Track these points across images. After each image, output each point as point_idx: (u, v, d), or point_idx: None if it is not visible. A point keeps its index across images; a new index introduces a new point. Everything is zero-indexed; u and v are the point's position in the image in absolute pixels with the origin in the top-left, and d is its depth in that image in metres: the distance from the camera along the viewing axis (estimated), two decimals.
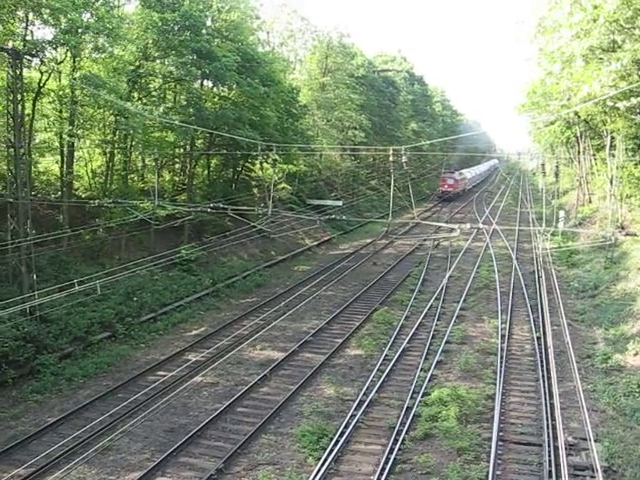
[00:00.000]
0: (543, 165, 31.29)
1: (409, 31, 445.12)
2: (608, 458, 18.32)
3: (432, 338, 30.14)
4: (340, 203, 63.29)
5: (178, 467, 18.46)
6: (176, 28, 37.97)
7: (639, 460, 18.41)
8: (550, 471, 17.77)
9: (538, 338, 29.57)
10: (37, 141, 33.99)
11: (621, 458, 18.43)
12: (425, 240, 58.23)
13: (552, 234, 50.56)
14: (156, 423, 21.37)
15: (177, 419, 21.76)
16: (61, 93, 32.95)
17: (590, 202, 64.19)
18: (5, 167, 29.47)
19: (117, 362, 27.38)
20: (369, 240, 59.87)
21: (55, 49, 32.00)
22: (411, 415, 21.60)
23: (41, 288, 25.88)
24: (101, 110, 34.88)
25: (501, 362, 26.34)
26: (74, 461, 18.14)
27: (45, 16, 29.97)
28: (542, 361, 26.34)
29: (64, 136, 33.16)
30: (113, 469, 18.32)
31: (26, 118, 28.73)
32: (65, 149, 34.81)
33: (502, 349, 28.02)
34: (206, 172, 49.98)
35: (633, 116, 37.23)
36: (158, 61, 39.43)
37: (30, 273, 26.70)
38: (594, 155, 62.26)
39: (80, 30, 30.40)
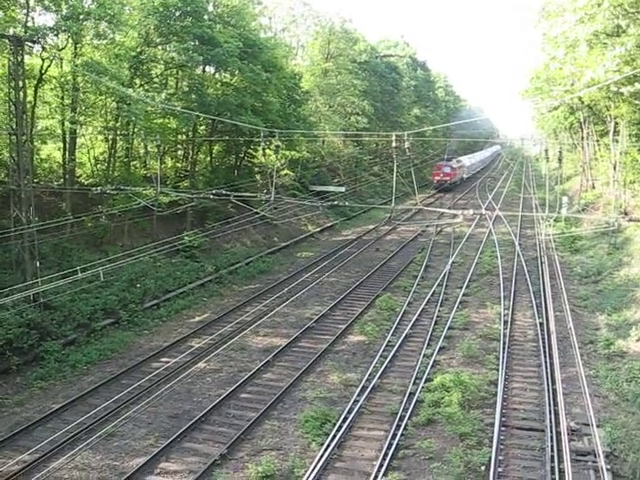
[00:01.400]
0: (546, 151, 31.11)
1: (412, 16, 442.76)
2: (610, 443, 18.32)
3: (435, 324, 30.16)
4: (343, 189, 63.21)
5: (182, 453, 18.55)
6: (177, 14, 37.85)
7: None
8: (552, 456, 17.81)
9: (541, 324, 29.55)
10: (39, 128, 33.91)
11: (623, 443, 18.43)
12: (428, 226, 58.17)
13: (555, 220, 50.56)
14: (160, 409, 21.45)
15: (181, 405, 21.83)
16: (63, 80, 32.92)
17: (593, 188, 64.04)
18: (7, 154, 29.43)
19: (121, 348, 27.48)
20: (372, 226, 59.85)
21: (56, 35, 31.96)
22: (414, 401, 21.65)
23: (44, 275, 25.98)
24: (103, 97, 34.86)
25: (504, 348, 26.34)
26: (78, 447, 18.21)
27: (46, 2, 29.94)
28: (545, 347, 26.33)
29: (66, 123, 33.14)
30: (117, 455, 18.41)
31: (28, 105, 28.66)
32: (67, 136, 34.84)
33: (505, 335, 28.02)
34: (209, 159, 49.93)
35: (637, 101, 37.10)
36: (160, 47, 39.32)
37: (33, 260, 26.77)
38: (598, 141, 62.05)
39: (81, 16, 30.34)
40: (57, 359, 25.21)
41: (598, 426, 18.58)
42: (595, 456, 17.04)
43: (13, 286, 22.95)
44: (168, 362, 24.55)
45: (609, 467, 16.90)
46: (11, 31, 26.65)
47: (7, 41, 25.77)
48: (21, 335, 24.72)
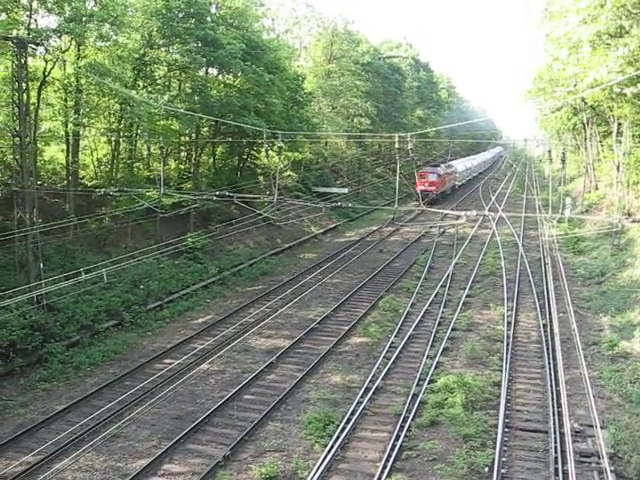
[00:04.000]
0: (549, 152, 31.16)
1: (415, 18, 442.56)
2: (614, 445, 18.33)
3: (438, 325, 30.15)
4: (346, 191, 63.17)
5: (185, 454, 18.57)
6: (180, 15, 37.92)
7: None
8: (556, 458, 17.80)
9: (544, 325, 29.52)
10: (42, 130, 34.00)
11: (627, 445, 18.43)
12: (431, 227, 58.15)
13: (558, 221, 50.47)
14: (163, 410, 21.47)
15: (184, 406, 21.85)
16: (66, 82, 32.97)
17: (597, 189, 63.89)
18: (11, 156, 29.48)
19: (124, 350, 27.51)
20: (375, 227, 59.83)
21: (59, 37, 32.00)
22: (417, 402, 21.64)
23: (48, 277, 26.07)
24: (106, 98, 34.90)
25: (507, 349, 26.32)
26: (82, 448, 18.30)
27: (49, 4, 29.95)
28: (548, 348, 26.32)
29: (69, 125, 33.27)
30: (121, 456, 18.44)
31: (31, 107, 28.69)
32: (70, 138, 34.86)
33: (508, 336, 28.00)
34: (212, 160, 49.98)
35: None
36: (163, 49, 39.37)
37: (37, 262, 26.80)
38: (601, 142, 61.95)
39: (84, 18, 30.37)
40: (61, 361, 25.25)
41: (602, 427, 18.59)
42: (599, 457, 17.04)
43: (17, 287, 22.95)
44: (171, 363, 24.62)
45: (613, 468, 16.89)
46: (14, 33, 26.72)
47: (10, 43, 25.81)
48: (25, 337, 24.75)
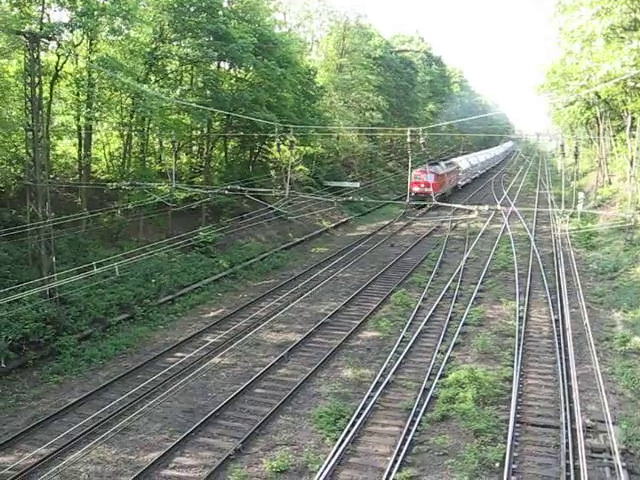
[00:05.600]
0: (562, 146, 30.89)
1: (427, 11, 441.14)
2: (626, 441, 18.25)
3: (450, 320, 30.09)
4: (357, 185, 63.05)
5: (197, 447, 18.64)
6: (192, 9, 37.87)
7: None
8: (567, 453, 17.74)
9: (556, 320, 29.41)
10: (55, 124, 34.13)
11: (639, 441, 18.35)
12: (443, 222, 58.02)
13: (571, 216, 50.20)
14: (175, 404, 21.55)
15: (196, 400, 21.93)
16: (78, 76, 33.15)
17: (610, 183, 63.56)
18: (24, 150, 29.62)
19: (136, 343, 27.62)
20: (386, 222, 59.75)
21: (72, 32, 32.04)
22: (428, 397, 21.62)
23: (60, 270, 26.17)
24: (118, 92, 34.99)
25: (519, 344, 26.25)
26: (94, 441, 18.39)
27: None
28: (560, 343, 26.21)
29: (81, 119, 33.36)
30: (132, 449, 18.52)
31: (44, 101, 28.79)
32: (83, 132, 35.01)
33: (520, 331, 27.91)
34: (223, 154, 50.05)
35: None
36: (174, 43, 39.35)
37: (49, 255, 26.92)
38: (614, 136, 61.62)
39: (96, 12, 30.42)
40: (73, 354, 25.38)
41: (614, 423, 18.49)
42: (611, 453, 16.95)
43: (29, 281, 23.07)
44: (183, 357, 24.67)
45: (625, 464, 16.79)
46: (27, 28, 26.82)
47: (23, 38, 25.89)
48: (37, 330, 24.88)
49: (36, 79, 26.28)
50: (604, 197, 58.62)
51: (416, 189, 60.13)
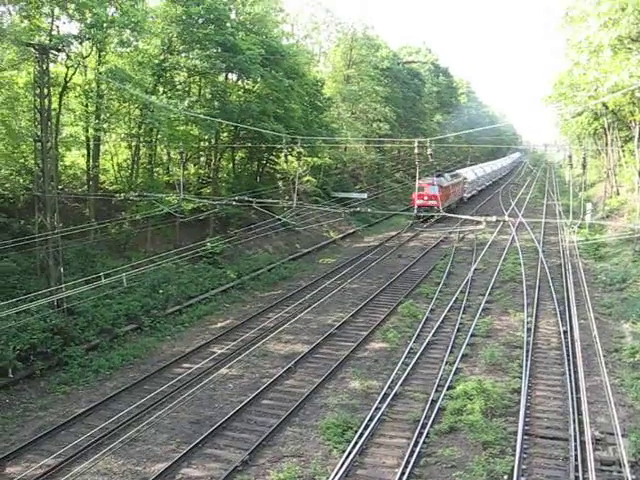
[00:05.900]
0: (570, 157, 30.84)
1: (434, 23, 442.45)
2: (635, 453, 18.08)
3: (457, 331, 29.96)
4: (365, 196, 63.15)
5: (203, 458, 18.57)
6: (200, 21, 38.07)
7: None
8: (576, 466, 17.59)
9: (565, 331, 29.24)
10: (64, 135, 34.30)
11: None
12: (451, 233, 57.99)
13: (579, 227, 50.08)
14: (182, 415, 21.51)
15: (203, 411, 21.88)
16: (87, 87, 33.36)
17: (618, 194, 63.42)
18: (32, 161, 29.77)
19: (143, 354, 27.62)
20: (394, 233, 59.69)
21: (81, 44, 32.36)
22: (436, 408, 21.50)
23: (68, 281, 26.21)
24: (126, 104, 35.23)
25: (527, 355, 26.11)
26: (101, 452, 18.37)
27: (71, 11, 30.29)
28: (569, 355, 26.06)
29: (90, 130, 33.55)
30: (139, 460, 18.48)
31: (53, 112, 28.95)
32: (91, 143, 35.23)
33: (528, 342, 27.76)
34: (231, 165, 50.19)
35: None
36: (182, 54, 39.57)
37: (57, 266, 26.99)
38: (622, 147, 61.51)
39: (105, 24, 30.64)
40: (80, 364, 25.40)
41: (623, 435, 18.34)
42: (620, 466, 16.82)
43: (37, 291, 23.16)
44: (190, 368, 24.67)
45: (635, 477, 16.69)
46: (36, 40, 27.02)
47: (33, 49, 26.08)
48: (45, 340, 24.92)
49: (45, 90, 26.43)
50: (612, 208, 58.47)
51: (420, 202, 58.81)
